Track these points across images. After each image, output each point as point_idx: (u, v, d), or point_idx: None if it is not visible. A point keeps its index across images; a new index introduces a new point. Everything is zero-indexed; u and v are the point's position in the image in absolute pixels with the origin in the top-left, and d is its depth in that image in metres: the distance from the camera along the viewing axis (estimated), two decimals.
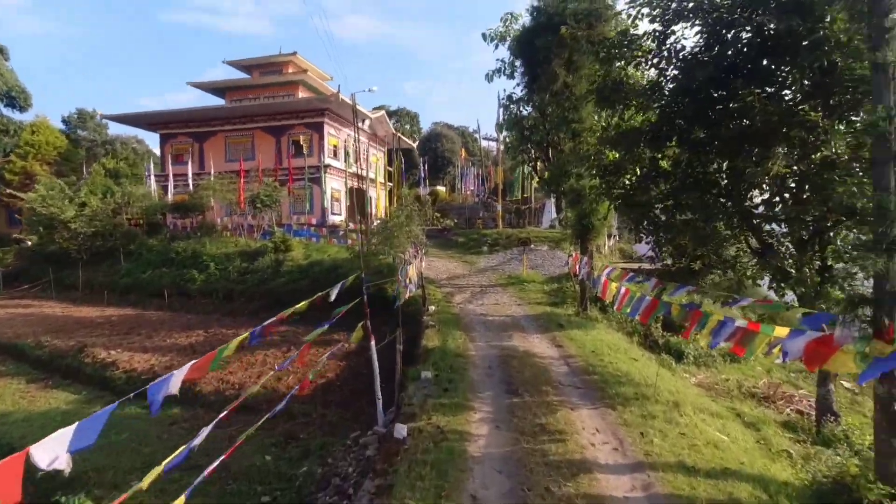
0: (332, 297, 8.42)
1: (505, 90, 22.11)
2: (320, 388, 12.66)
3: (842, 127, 7.85)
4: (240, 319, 19.85)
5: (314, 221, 29.41)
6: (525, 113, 18.55)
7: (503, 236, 26.41)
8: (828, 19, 7.60)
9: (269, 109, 35.09)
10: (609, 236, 23.36)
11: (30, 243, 30.88)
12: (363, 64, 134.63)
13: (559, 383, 9.66)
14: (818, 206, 8.14)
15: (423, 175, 52.96)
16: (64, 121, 52.66)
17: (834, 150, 8.21)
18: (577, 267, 16.15)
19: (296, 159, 33.87)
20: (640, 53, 9.57)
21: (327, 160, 34.85)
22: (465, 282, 20.54)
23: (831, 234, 8.90)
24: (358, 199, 34.71)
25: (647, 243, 11.93)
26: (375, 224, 17.21)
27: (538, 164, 19.17)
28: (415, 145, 52.44)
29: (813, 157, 8.32)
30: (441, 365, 10.53)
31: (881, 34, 5.40)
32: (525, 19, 16.69)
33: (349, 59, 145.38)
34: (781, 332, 6.86)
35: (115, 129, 54.02)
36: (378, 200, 42.30)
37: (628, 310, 11.22)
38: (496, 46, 19.01)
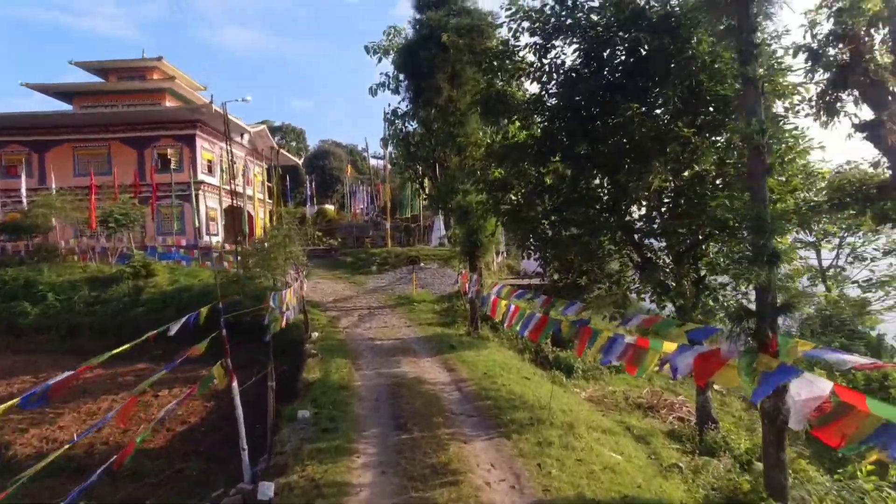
0: (172, 332, 7.03)
1: (390, 105, 21.74)
2: (179, 437, 10.84)
3: (718, 139, 8.16)
4: (88, 358, 16.90)
5: (184, 243, 26.47)
6: (410, 128, 18.03)
7: (392, 255, 25.65)
8: (695, 41, 7.89)
9: (130, 118, 31.37)
10: (497, 253, 23.55)
11: None
12: (246, 78, 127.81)
13: (451, 412, 8.99)
14: (693, 219, 8.37)
15: (309, 193, 50.86)
16: None
17: (704, 165, 8.54)
18: (467, 285, 15.83)
19: (163, 175, 30.48)
20: (522, 66, 9.41)
21: (201, 176, 31.82)
22: (352, 304, 19.41)
23: (704, 246, 9.27)
24: (235, 218, 32.12)
25: (536, 260, 11.81)
26: (248, 246, 15.64)
27: (425, 180, 18.72)
28: (300, 162, 50.14)
29: (686, 172, 8.59)
30: (322, 400, 9.40)
31: (750, 49, 5.46)
32: (408, 31, 16.30)
33: (230, 72, 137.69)
34: (670, 347, 6.76)
35: None
36: (259, 219, 39.57)
37: (518, 327, 10.96)
38: (379, 60, 18.40)
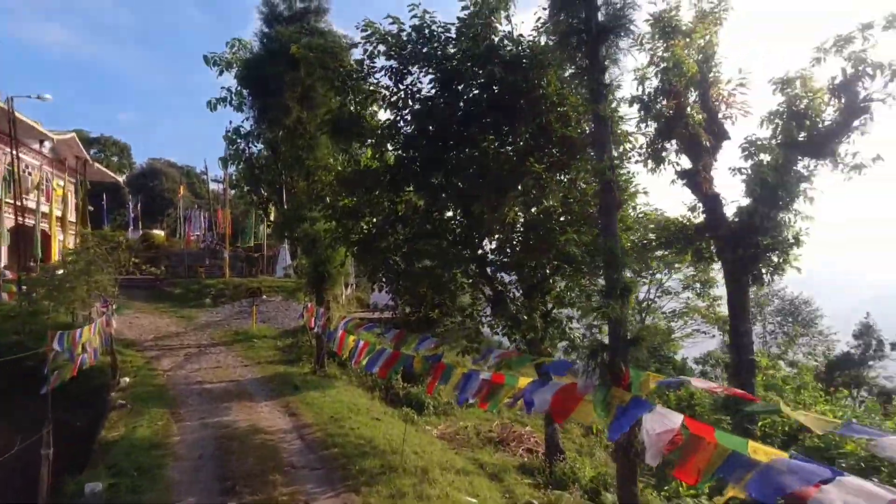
0: None
1: (231, 122, 19.70)
2: None
3: (562, 179, 8.45)
4: None
5: None
6: (255, 149, 16.57)
7: (230, 287, 23.18)
8: (545, 81, 8.18)
9: None
10: (346, 285, 22.54)
11: None
12: (55, 81, 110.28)
13: (292, 467, 7.84)
14: (543, 253, 8.53)
15: (132, 215, 44.78)
16: None
17: (552, 201, 8.81)
18: (313, 319, 14.63)
19: None
20: (376, 90, 8.98)
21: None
22: (178, 342, 16.85)
23: (552, 280, 9.54)
24: (24, 240, 26.66)
25: (387, 292, 11.24)
26: (38, 272, 12.62)
27: (270, 206, 17.24)
28: (122, 180, 43.99)
29: (534, 208, 8.78)
30: (123, 466, 7.58)
31: (600, 89, 5.63)
32: (255, 45, 15.04)
33: (33, 71, 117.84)
34: (524, 382, 6.58)
35: None
36: (59, 242, 33.40)
37: (365, 363, 10.20)
38: (220, 73, 16.68)
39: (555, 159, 8.82)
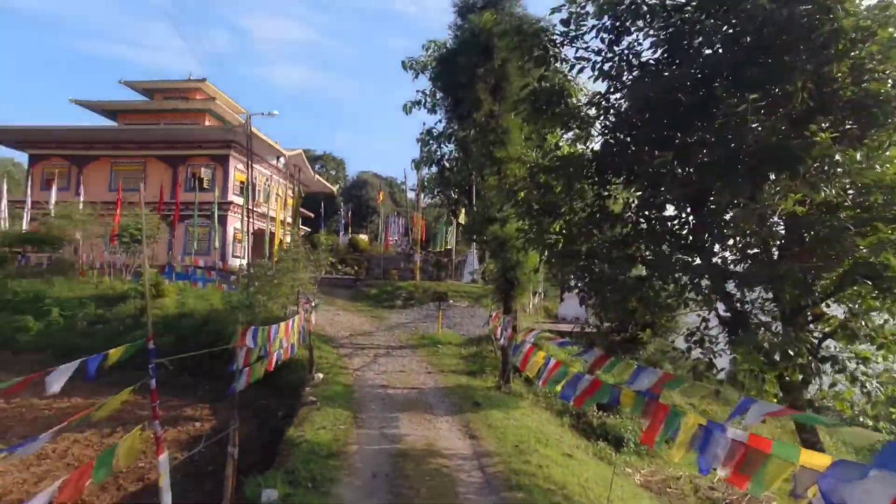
0: (53, 389, 4.89)
1: (425, 124, 20.07)
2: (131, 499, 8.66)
3: (856, 156, 5.71)
4: (75, 385, 15.13)
5: (201, 263, 25.07)
6: (446, 150, 16.17)
7: (419, 290, 23.47)
8: (839, 11, 5.58)
9: (166, 136, 30.87)
10: (534, 293, 21.05)
11: None
12: (295, 112, 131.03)
13: None
14: (824, 263, 5.87)
15: (343, 222, 49.74)
16: None
17: (833, 189, 6.05)
18: (499, 329, 13.43)
19: (195, 193, 29.60)
20: (584, 55, 7.27)
21: (232, 197, 30.86)
22: (369, 341, 17.19)
23: (827, 303, 6.72)
24: (258, 242, 30.81)
25: (588, 305, 9.34)
26: (251, 269, 13.79)
27: (459, 208, 16.64)
28: (335, 189, 49.21)
29: (814, 196, 6.12)
30: (301, 474, 7.09)
31: None
32: (449, 41, 14.58)
33: (280, 107, 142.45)
34: (813, 460, 4.22)
35: None
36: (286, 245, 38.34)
37: (558, 389, 8.45)
38: (416, 76, 16.79)
39: (843, 129, 6.10)
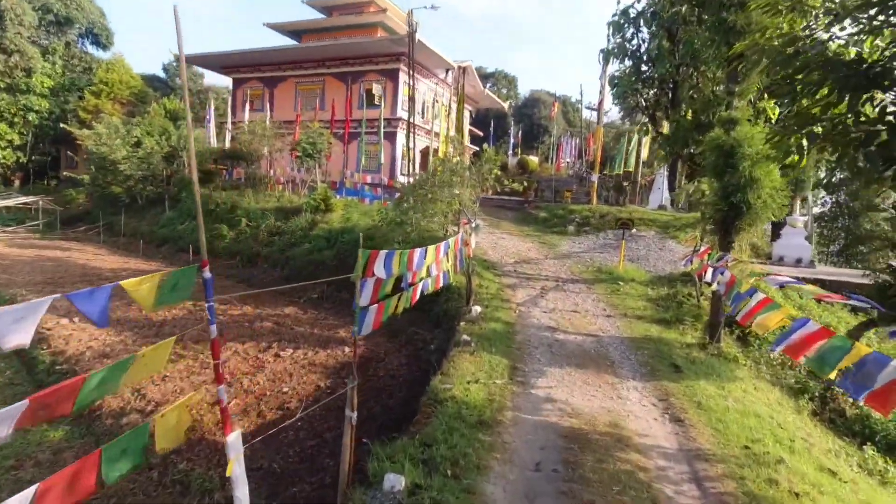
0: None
1: (619, 2, 15.34)
2: (261, 431, 7.88)
3: None
4: (244, 289, 15.69)
5: (369, 179, 24.80)
6: (645, 36, 12.22)
7: (596, 215, 20.16)
8: None
9: (340, 52, 30.66)
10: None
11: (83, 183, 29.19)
12: (480, 40, 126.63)
13: None
14: None
15: (513, 142, 46.93)
16: (164, 68, 52.40)
17: None
18: (709, 270, 10.01)
19: (364, 110, 29.38)
20: None
21: (401, 113, 30.02)
22: (536, 270, 14.88)
23: None
24: (428, 160, 29.76)
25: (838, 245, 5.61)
26: (406, 182, 12.18)
27: (655, 114, 12.81)
28: (506, 105, 46.09)
29: None
30: (440, 451, 5.24)
31: None
32: None
33: (468, 36, 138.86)
34: None
35: (210, 79, 53.06)
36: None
37: (832, 373, 5.23)
38: None
39: None
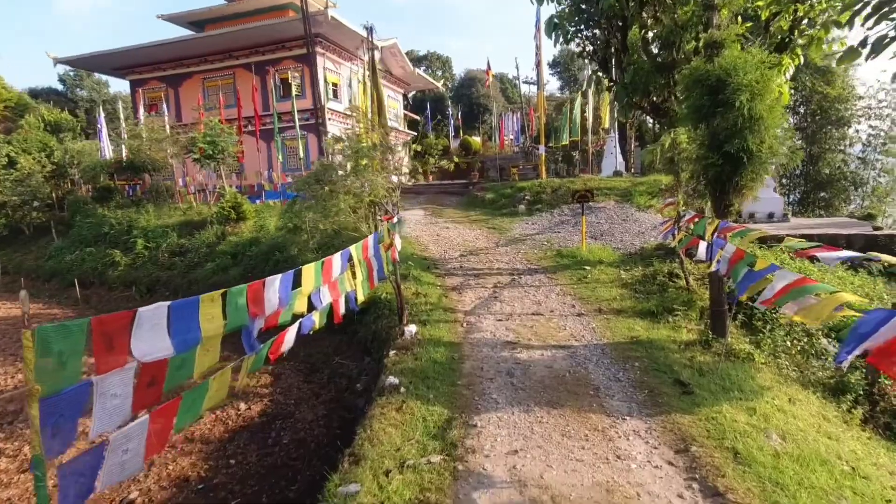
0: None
1: None
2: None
3: None
4: None
5: (288, 179, 21.59)
6: None
7: (547, 190, 17.80)
8: None
9: (248, 40, 26.96)
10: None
11: None
12: (409, 27, 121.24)
13: None
14: None
15: (453, 123, 44.28)
16: (60, 79, 46.79)
17: None
18: (706, 244, 7.66)
19: (287, 102, 25.95)
20: None
21: (324, 101, 26.74)
22: (487, 262, 12.33)
23: None
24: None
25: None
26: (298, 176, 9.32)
27: (607, 60, 10.36)
28: (440, 84, 43.24)
29: None
30: None
31: None
32: None
33: (396, 21, 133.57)
34: None
35: (116, 87, 47.81)
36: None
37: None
38: None
39: None
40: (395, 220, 8.17)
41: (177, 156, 19.17)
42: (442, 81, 45.74)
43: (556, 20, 9.89)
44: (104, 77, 46.64)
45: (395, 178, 8.77)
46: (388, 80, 33.99)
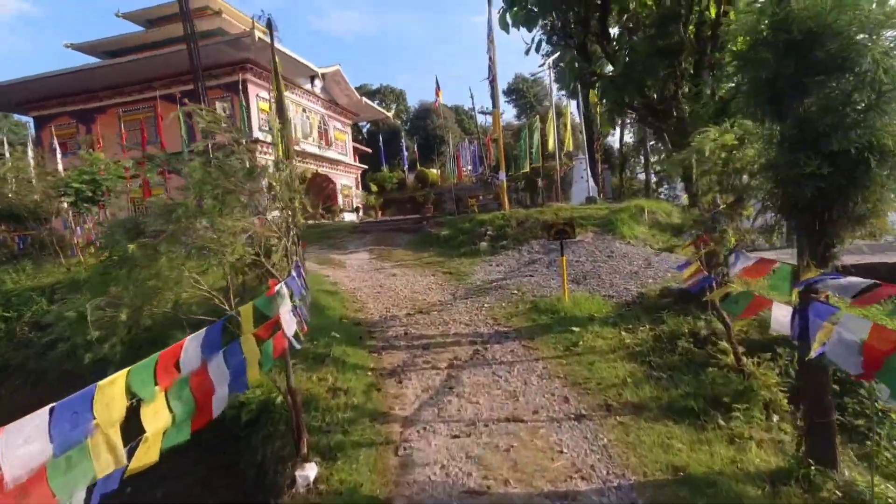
0: None
1: None
2: None
3: None
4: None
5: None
6: None
7: (512, 222, 14.84)
8: None
9: (168, 67, 23.61)
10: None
11: None
12: (354, 59, 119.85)
13: None
14: None
15: (406, 155, 41.73)
16: None
17: None
18: (793, 312, 4.60)
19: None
20: None
21: (256, 134, 23.45)
22: (441, 325, 9.08)
23: None
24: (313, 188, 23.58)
25: None
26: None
27: (587, 45, 7.56)
28: (391, 115, 40.64)
29: None
30: None
31: None
32: None
33: (338, 55, 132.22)
34: None
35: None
36: (342, 187, 30.85)
37: None
38: None
39: None
40: (281, 287, 4.86)
41: (52, 200, 15.32)
42: (393, 111, 43.18)
43: (512, 14, 7.00)
44: (22, 117, 42.01)
45: (276, 215, 5.58)
46: (333, 110, 31.10)
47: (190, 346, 3.58)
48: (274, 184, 5.47)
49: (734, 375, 5.66)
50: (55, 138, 25.75)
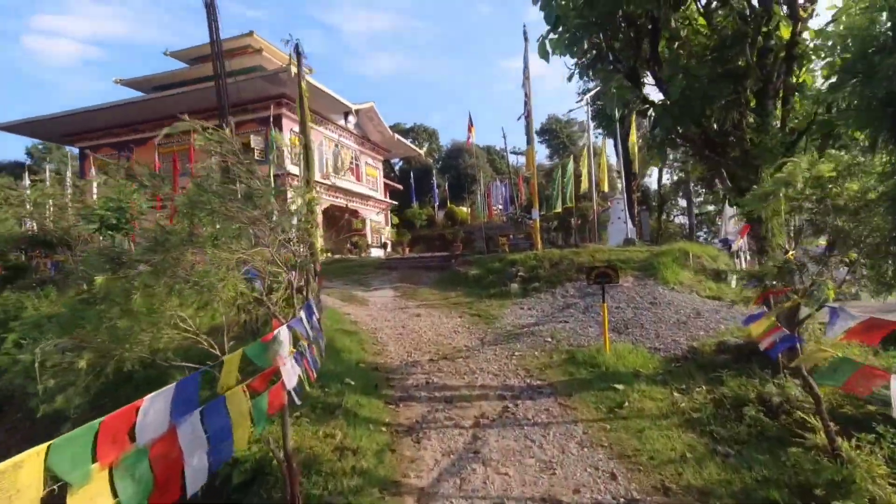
0: None
1: None
2: None
3: None
4: None
5: None
6: None
7: (545, 263, 13.98)
8: None
9: (206, 102, 24.08)
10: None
11: None
12: (387, 99, 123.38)
13: None
14: None
15: (437, 193, 41.65)
16: (27, 152, 44.11)
17: None
18: None
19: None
20: None
21: (289, 167, 23.57)
22: (466, 374, 8.19)
23: None
24: (332, 222, 23.55)
25: None
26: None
27: (637, 69, 6.88)
28: (423, 152, 40.72)
29: None
30: None
31: None
32: None
33: (376, 97, 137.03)
34: None
35: None
36: (372, 223, 30.62)
37: None
38: None
39: None
40: (279, 332, 4.15)
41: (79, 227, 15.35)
42: (425, 149, 43.34)
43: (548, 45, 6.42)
44: (69, 148, 44.05)
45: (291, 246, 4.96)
46: (365, 146, 31.28)
47: (152, 407, 2.87)
48: (276, 210, 4.86)
49: (826, 460, 4.59)
50: (93, 168, 26.61)
